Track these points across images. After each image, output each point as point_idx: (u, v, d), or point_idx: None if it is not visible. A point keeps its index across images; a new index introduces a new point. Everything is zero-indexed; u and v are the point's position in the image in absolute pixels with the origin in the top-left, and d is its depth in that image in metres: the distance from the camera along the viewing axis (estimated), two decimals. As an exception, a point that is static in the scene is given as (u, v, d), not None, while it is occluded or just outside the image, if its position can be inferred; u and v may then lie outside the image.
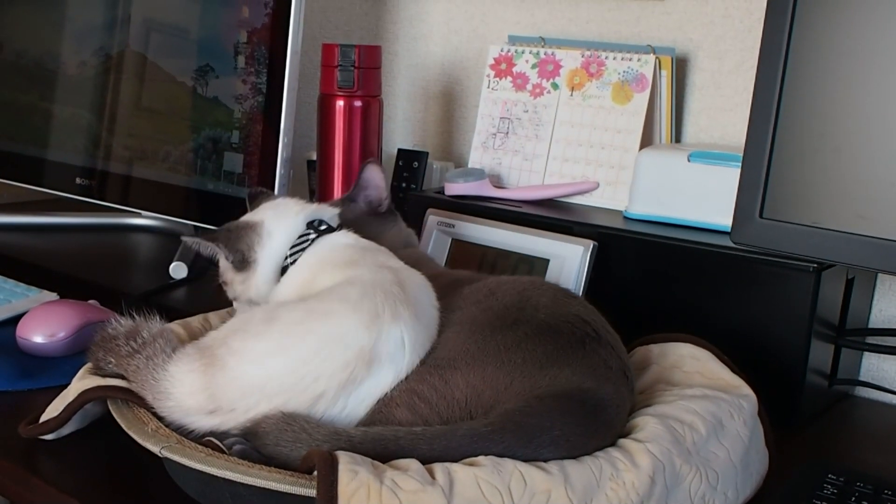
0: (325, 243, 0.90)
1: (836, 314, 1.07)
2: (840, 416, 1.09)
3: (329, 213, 0.95)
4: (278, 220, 0.92)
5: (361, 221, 0.99)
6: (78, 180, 1.49)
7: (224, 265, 0.93)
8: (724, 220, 0.98)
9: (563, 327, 0.83)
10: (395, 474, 0.69)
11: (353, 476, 0.67)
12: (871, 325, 1.16)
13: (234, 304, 0.96)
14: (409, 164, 1.36)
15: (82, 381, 0.85)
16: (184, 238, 0.92)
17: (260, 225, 0.91)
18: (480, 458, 0.71)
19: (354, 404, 0.78)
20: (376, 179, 1.02)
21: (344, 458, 0.69)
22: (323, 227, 0.91)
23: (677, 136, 1.31)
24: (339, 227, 0.93)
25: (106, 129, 1.46)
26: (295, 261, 0.90)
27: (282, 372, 0.77)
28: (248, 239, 0.91)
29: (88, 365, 0.86)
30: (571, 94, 1.32)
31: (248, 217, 0.94)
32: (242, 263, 0.91)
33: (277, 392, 0.77)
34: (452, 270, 1.02)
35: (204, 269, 1.37)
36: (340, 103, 1.33)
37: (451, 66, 1.54)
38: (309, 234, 0.91)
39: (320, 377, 0.77)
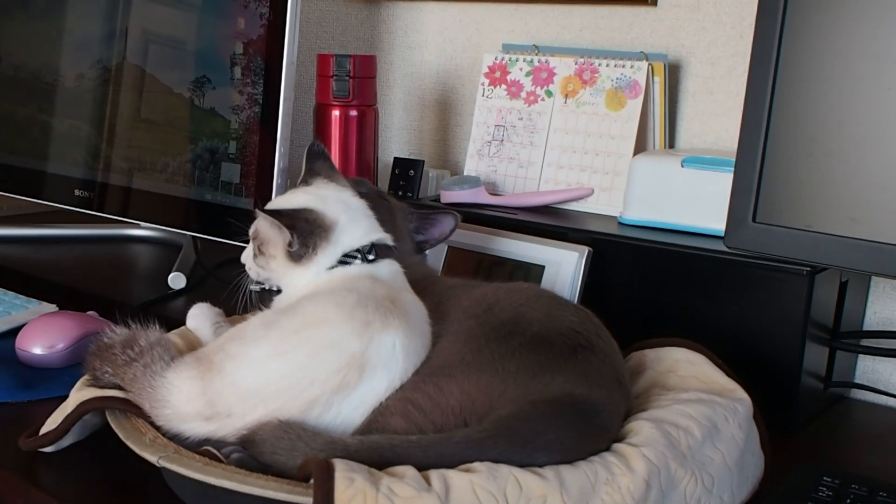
0: (356, 269, 0.88)
1: (831, 317, 1.07)
2: (835, 419, 1.09)
3: (389, 238, 0.92)
4: (350, 230, 0.89)
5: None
6: (77, 192, 1.49)
7: (275, 242, 0.88)
8: (718, 224, 0.99)
9: (556, 339, 0.84)
10: (391, 481, 0.69)
11: (350, 483, 0.68)
12: (865, 328, 1.17)
13: (251, 271, 0.92)
14: (406, 172, 1.37)
15: (80, 393, 0.85)
16: (257, 210, 0.87)
17: (333, 228, 0.88)
18: (476, 465, 0.72)
19: (349, 411, 0.78)
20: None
21: (340, 466, 0.69)
22: (371, 257, 0.89)
23: (671, 142, 1.32)
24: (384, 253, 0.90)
25: (104, 140, 1.46)
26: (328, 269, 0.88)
27: (278, 376, 0.78)
28: (319, 238, 0.87)
29: (85, 376, 0.87)
30: (565, 102, 1.32)
31: (321, 206, 0.89)
32: (300, 257, 0.88)
33: (274, 396, 0.77)
34: (464, 280, 1.01)
35: (202, 280, 1.38)
36: (336, 113, 1.34)
37: (445, 74, 1.55)
38: (356, 258, 0.88)
39: (315, 381, 0.78)
